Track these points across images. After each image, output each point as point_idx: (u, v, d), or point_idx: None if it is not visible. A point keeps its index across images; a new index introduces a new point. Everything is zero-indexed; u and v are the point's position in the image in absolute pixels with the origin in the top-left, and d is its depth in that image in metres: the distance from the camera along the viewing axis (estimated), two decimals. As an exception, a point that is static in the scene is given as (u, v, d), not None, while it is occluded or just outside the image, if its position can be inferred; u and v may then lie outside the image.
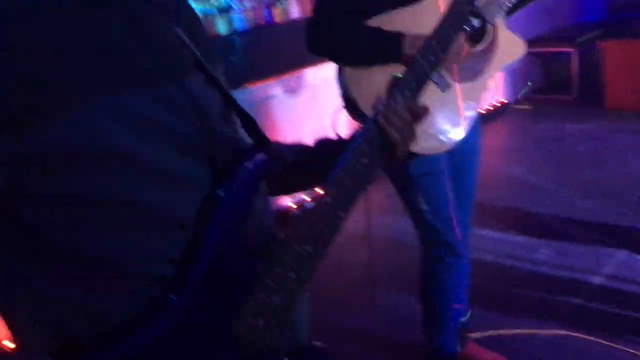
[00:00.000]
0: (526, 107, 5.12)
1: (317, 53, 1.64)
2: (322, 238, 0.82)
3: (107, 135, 0.63)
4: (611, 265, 2.53)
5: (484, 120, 4.63)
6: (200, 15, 3.15)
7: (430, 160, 1.67)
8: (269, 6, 3.47)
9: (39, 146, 0.60)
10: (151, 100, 0.67)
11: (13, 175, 0.60)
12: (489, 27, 1.64)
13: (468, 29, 1.57)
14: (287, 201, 3.42)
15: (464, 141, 1.63)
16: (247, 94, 3.30)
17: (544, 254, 2.72)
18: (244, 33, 3.36)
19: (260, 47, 3.39)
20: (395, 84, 0.97)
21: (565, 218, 3.03)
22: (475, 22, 1.58)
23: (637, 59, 4.48)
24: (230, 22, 3.36)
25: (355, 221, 2.55)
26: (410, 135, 0.90)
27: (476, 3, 1.35)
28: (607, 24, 5.46)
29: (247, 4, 3.38)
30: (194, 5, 3.04)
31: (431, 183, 1.72)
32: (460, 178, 1.82)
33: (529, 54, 5.38)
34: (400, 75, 0.99)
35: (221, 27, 3.32)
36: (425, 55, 1.03)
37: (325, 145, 1.01)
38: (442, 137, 1.60)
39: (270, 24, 3.49)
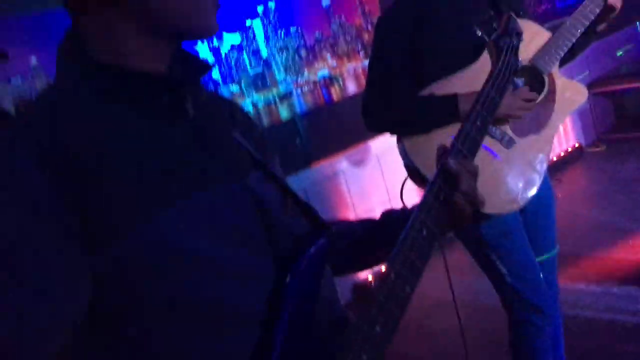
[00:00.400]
0: (601, 148, 4.91)
1: (376, 130, 1.69)
2: (391, 316, 0.81)
3: (182, 238, 0.66)
4: None
5: (559, 166, 4.50)
6: (263, 104, 3.34)
7: (504, 220, 1.62)
8: (326, 86, 3.62)
9: (121, 257, 0.63)
10: (216, 201, 0.71)
11: (100, 288, 0.63)
12: (546, 78, 1.64)
13: (511, 89, 1.56)
14: (366, 274, 3.39)
15: (537, 194, 1.59)
16: (316, 172, 3.38)
17: (648, 304, 2.51)
18: (306, 115, 3.50)
19: (322, 125, 3.51)
20: (444, 154, 0.98)
21: (666, 262, 2.82)
22: (519, 81, 1.59)
23: None
24: (291, 106, 3.52)
25: (437, 286, 2.51)
26: (468, 204, 0.90)
27: (520, 64, 1.35)
28: (677, 53, 5.24)
29: (306, 88, 3.54)
30: (256, 96, 3.25)
31: (508, 244, 1.66)
32: (539, 232, 1.75)
33: (598, 93, 5.26)
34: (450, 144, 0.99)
35: (284, 112, 3.48)
36: (473, 122, 1.03)
37: (391, 217, 1.02)
38: (514, 196, 1.56)
39: (329, 102, 3.62)
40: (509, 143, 1.56)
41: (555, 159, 4.63)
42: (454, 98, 1.52)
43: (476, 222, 1.61)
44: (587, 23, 1.56)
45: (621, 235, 3.22)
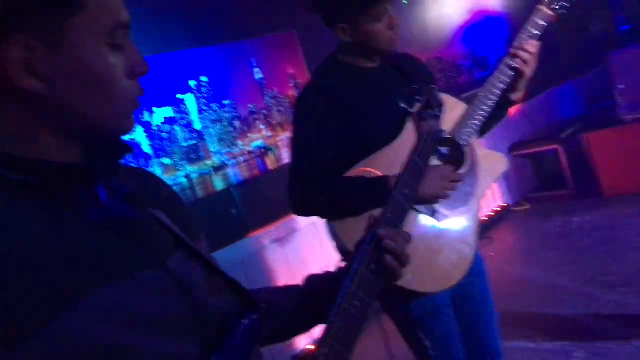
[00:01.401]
0: (527, 207, 5.17)
1: (304, 214, 1.62)
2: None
3: (96, 332, 0.63)
4: (649, 359, 2.41)
5: (489, 226, 4.68)
6: (197, 176, 3.32)
7: (434, 298, 1.60)
8: (260, 156, 3.66)
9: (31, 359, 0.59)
10: (135, 288, 0.68)
11: None
12: (466, 150, 1.64)
13: (437, 158, 1.60)
14: (305, 343, 3.32)
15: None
16: (253, 242, 3.36)
17: (579, 358, 2.59)
18: (241, 185, 3.51)
19: (258, 194, 3.52)
20: (375, 223, 1.01)
21: (594, 314, 2.93)
22: (445, 150, 1.61)
23: (622, 144, 4.61)
24: (227, 177, 3.52)
25: (375, 351, 2.47)
26: (398, 271, 0.92)
27: (444, 133, 1.39)
28: (586, 117, 5.70)
29: (241, 158, 3.57)
30: (190, 168, 3.23)
31: (437, 321, 1.64)
32: (475, 304, 1.74)
33: (519, 156, 5.56)
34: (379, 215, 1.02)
35: (219, 183, 3.47)
36: (400, 191, 1.07)
37: (315, 282, 1.03)
38: (448, 273, 1.54)
39: (264, 172, 3.66)
40: (438, 218, 1.55)
41: (485, 218, 4.82)
42: (384, 181, 1.48)
43: (408, 301, 1.60)
44: (499, 92, 1.59)
45: (550, 290, 3.35)
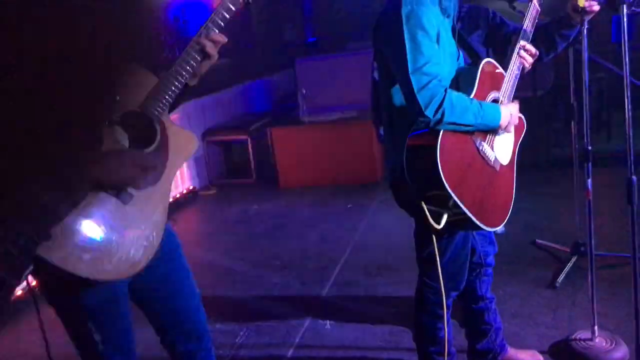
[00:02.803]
0: (212, 191, 5.39)
1: None
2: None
3: None
4: (300, 335, 2.75)
5: (175, 207, 4.71)
6: None
7: (112, 286, 1.47)
8: None
9: None
10: None
11: None
12: (157, 126, 1.53)
13: (124, 133, 1.45)
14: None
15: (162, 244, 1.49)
16: None
17: (243, 337, 2.79)
18: None
19: None
20: None
21: (259, 297, 3.20)
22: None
23: (297, 142, 5.19)
24: None
25: (31, 343, 2.19)
26: None
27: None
28: (273, 113, 6.25)
29: None
30: None
31: (112, 312, 1.52)
32: (170, 283, 1.68)
33: (212, 142, 5.76)
34: None
35: None
36: None
37: None
38: (132, 258, 1.41)
39: None
40: (125, 198, 1.43)
41: (171, 200, 4.83)
42: None
43: (81, 289, 1.44)
44: (190, 69, 1.53)
45: (224, 274, 3.53)
